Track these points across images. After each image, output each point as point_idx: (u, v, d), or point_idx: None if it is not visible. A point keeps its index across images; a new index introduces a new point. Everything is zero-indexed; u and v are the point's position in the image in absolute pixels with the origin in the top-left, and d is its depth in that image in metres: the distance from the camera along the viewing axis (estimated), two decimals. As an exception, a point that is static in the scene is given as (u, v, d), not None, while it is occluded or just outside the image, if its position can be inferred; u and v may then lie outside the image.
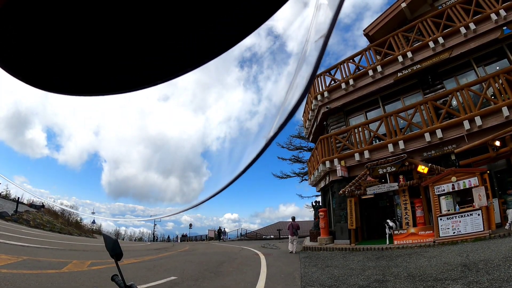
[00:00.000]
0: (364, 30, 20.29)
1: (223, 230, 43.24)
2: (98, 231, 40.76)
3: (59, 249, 13.65)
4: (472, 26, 14.04)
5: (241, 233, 43.07)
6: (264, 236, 38.62)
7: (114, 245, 1.60)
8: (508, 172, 12.61)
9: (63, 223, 34.13)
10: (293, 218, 16.80)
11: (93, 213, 44.68)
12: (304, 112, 24.27)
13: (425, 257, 9.46)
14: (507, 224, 10.52)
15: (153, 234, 48.59)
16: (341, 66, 19.10)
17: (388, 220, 13.76)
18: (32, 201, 41.58)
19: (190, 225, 47.41)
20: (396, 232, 13.13)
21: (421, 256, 9.78)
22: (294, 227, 15.87)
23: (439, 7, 17.25)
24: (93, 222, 44.52)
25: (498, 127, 12.07)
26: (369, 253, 12.04)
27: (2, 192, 41.76)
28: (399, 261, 9.58)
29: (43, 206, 40.03)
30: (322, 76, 19.98)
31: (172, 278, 8.66)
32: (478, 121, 12.50)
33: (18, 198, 37.34)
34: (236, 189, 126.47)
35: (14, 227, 22.26)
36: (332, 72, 19.72)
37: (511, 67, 12.96)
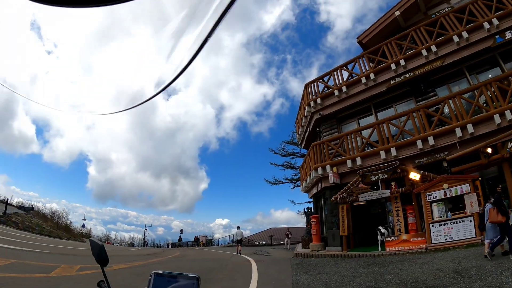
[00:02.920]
0: (358, 38, 20.42)
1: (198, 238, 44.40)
2: (88, 235, 40.35)
3: (48, 252, 13.41)
4: (465, 34, 14.18)
5: (232, 239, 42.91)
6: (255, 243, 38.35)
7: (100, 251, 1.56)
8: (499, 179, 12.65)
9: (52, 226, 33.67)
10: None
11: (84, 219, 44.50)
12: (297, 118, 24.30)
13: (417, 264, 9.42)
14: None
15: (144, 239, 48.12)
16: (334, 73, 19.18)
17: (380, 227, 13.73)
18: (21, 203, 41.15)
19: (181, 230, 47.06)
20: (388, 238, 13.10)
21: (413, 262, 9.74)
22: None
23: (433, 16, 17.43)
24: (83, 226, 44.17)
25: (490, 134, 12.16)
26: (361, 260, 11.97)
27: (-9, 194, 41.33)
28: (391, 268, 9.52)
29: (32, 208, 39.61)
30: (315, 83, 20.08)
31: (162, 284, 8.49)
32: (470, 128, 12.57)
33: (7, 200, 36.92)
34: (228, 194, 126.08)
35: (3, 229, 21.87)
36: (326, 79, 19.80)
37: (503, 75, 13.12)
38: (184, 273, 1.27)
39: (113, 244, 46.55)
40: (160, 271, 1.26)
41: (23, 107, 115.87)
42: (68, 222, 41.82)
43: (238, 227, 22.19)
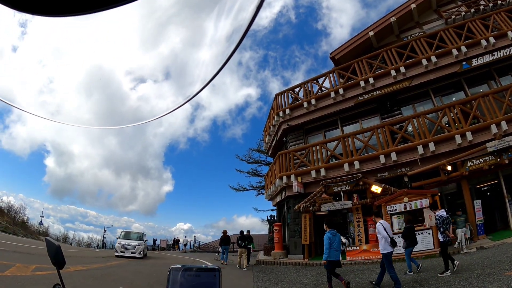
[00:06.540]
0: (331, 54, 20.84)
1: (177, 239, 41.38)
2: (45, 233, 38.37)
3: (2, 250, 12.64)
4: (433, 59, 14.94)
5: (194, 245, 41.79)
6: (217, 249, 37.75)
7: (56, 253, 1.48)
8: (457, 195, 13.35)
9: (8, 221, 31.65)
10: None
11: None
12: (266, 126, 24.41)
13: (377, 273, 9.60)
14: (457, 242, 11.07)
15: (103, 241, 46.01)
16: (305, 85, 19.52)
17: (342, 237, 13.95)
18: (-24, 196, 38.63)
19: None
20: (349, 248, 13.36)
21: (373, 272, 9.96)
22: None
23: (405, 39, 18.26)
24: (40, 223, 41.76)
25: (450, 153, 12.86)
26: (322, 269, 12.00)
27: None
28: (352, 277, 9.72)
29: (-14, 201, 37.20)
30: (285, 94, 20.30)
31: (120, 289, 8.29)
32: (431, 146, 13.21)
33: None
34: (192, 198, 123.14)
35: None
36: (296, 90, 20.10)
37: (466, 99, 14.00)
38: (203, 266, 1.26)
39: (71, 244, 44.35)
40: (178, 265, 1.24)
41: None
42: (25, 218, 39.48)
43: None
